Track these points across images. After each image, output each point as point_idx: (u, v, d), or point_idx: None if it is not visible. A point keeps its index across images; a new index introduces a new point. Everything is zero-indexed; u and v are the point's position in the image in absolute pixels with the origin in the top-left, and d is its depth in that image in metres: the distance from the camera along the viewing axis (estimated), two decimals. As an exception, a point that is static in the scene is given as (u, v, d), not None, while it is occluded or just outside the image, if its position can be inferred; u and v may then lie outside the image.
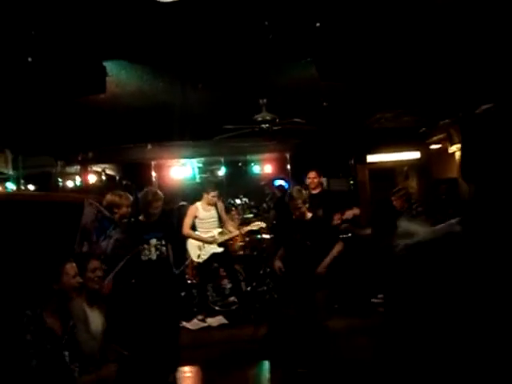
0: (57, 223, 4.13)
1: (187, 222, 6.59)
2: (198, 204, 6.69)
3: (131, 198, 5.21)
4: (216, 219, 6.67)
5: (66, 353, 3.06)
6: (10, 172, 6.52)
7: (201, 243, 6.60)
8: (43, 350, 2.92)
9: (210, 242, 6.58)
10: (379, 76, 5.39)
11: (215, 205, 6.66)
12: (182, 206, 8.23)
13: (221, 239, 6.64)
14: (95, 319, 3.72)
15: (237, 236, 7.07)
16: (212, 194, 6.58)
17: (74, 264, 3.22)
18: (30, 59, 3.20)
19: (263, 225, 7.05)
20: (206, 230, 6.63)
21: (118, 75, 4.88)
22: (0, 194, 5.12)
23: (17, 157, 6.73)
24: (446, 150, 8.06)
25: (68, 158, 7.86)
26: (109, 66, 4.59)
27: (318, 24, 3.71)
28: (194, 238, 6.60)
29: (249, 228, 6.96)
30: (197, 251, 6.63)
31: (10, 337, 2.98)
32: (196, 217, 6.63)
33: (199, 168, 9.78)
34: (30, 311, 2.98)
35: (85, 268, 3.62)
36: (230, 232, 6.73)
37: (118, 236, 4.73)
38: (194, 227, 6.69)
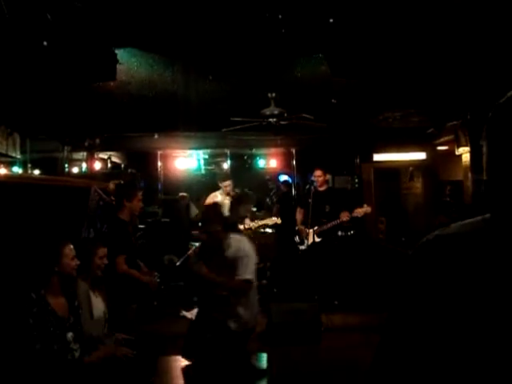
0: (58, 207, 4.13)
1: None
2: (218, 192, 6.80)
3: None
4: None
5: (70, 334, 3.08)
6: (18, 156, 6.54)
7: None
8: (46, 332, 2.94)
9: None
10: (389, 74, 5.39)
11: (230, 196, 6.73)
12: (183, 196, 8.29)
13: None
14: (98, 304, 3.74)
15: (248, 229, 7.00)
16: (224, 183, 6.69)
17: (72, 246, 3.25)
18: (45, 43, 3.20)
19: (279, 221, 6.97)
20: None
21: (128, 63, 4.89)
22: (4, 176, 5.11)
23: (24, 140, 6.75)
24: (453, 151, 8.00)
25: (75, 144, 7.85)
26: (120, 53, 4.60)
27: (331, 20, 3.71)
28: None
29: (263, 222, 6.96)
30: None
31: (13, 320, 3.00)
32: None
33: (205, 160, 9.76)
34: (34, 294, 3.01)
35: (93, 254, 3.64)
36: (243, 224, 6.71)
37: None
38: None
